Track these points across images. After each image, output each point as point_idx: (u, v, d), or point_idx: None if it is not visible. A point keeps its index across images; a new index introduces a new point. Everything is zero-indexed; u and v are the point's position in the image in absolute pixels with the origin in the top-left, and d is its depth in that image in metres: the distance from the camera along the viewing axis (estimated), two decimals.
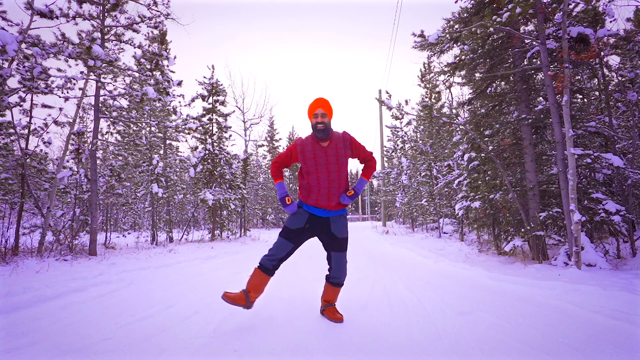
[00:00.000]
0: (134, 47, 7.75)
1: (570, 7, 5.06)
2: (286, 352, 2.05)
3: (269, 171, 28.61)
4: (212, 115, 12.75)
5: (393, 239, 12.08)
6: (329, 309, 2.67)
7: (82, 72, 6.42)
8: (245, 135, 15.70)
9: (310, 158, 2.54)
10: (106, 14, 7.01)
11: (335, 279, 2.65)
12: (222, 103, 12.95)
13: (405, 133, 19.15)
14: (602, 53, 5.43)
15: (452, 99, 12.72)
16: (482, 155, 6.13)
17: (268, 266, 2.53)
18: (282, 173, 2.72)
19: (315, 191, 2.53)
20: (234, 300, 2.47)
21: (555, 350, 2.01)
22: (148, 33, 7.97)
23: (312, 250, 7.46)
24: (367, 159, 2.73)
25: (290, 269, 5.35)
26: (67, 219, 7.97)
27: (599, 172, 5.42)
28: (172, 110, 10.88)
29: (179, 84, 8.36)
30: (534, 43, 5.37)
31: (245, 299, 2.49)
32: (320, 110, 2.56)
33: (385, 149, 22.93)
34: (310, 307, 3.02)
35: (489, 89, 6.46)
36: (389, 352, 2.02)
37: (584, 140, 5.95)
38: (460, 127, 7.63)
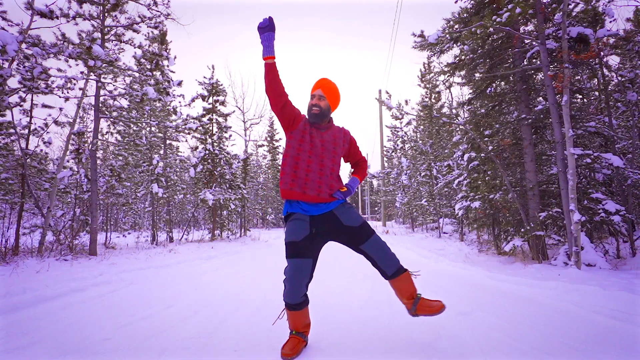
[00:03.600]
0: (134, 47, 7.76)
1: (570, 7, 5.07)
2: None
3: (269, 171, 28.12)
4: (212, 115, 12.75)
5: (393, 239, 12.08)
6: (420, 305, 2.04)
7: (82, 72, 6.42)
8: (245, 135, 15.71)
9: (305, 137, 2.08)
10: (106, 14, 7.01)
11: (390, 268, 2.03)
12: (222, 103, 12.96)
13: (405, 133, 19.16)
14: (602, 53, 5.44)
15: (452, 99, 12.75)
16: (482, 155, 6.14)
17: (295, 302, 1.99)
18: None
19: (302, 177, 2.02)
20: (296, 352, 1.97)
21: (555, 350, 2.01)
22: (148, 33, 7.98)
23: None
24: (359, 161, 2.36)
25: None
26: (67, 219, 7.97)
27: (598, 172, 5.42)
28: (172, 110, 10.88)
29: (179, 84, 8.36)
30: (534, 43, 5.37)
31: (301, 339, 2.05)
32: (319, 91, 2.12)
33: (385, 149, 22.94)
34: (310, 307, 3.02)
35: (489, 89, 6.46)
36: (389, 352, 2.02)
37: (583, 140, 5.95)
38: (460, 127, 7.64)
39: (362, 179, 2.33)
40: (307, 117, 2.16)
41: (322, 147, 2.08)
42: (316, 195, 2.01)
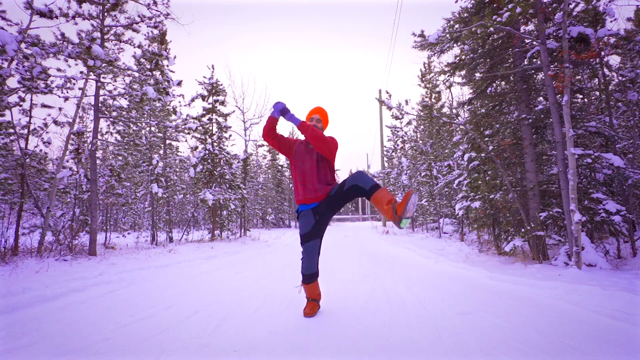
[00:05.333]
0: (134, 47, 7.74)
1: (571, 6, 5.06)
2: (286, 352, 2.05)
3: (269, 171, 28.26)
4: (212, 115, 12.74)
5: (393, 239, 12.08)
6: (398, 207, 2.39)
7: (81, 72, 6.41)
8: (245, 135, 15.69)
9: (300, 154, 2.82)
10: (106, 14, 7.00)
11: (367, 185, 2.53)
12: (222, 103, 12.94)
13: (405, 133, 19.15)
14: (603, 53, 5.43)
15: (452, 99, 12.74)
16: (482, 155, 6.13)
17: (311, 272, 2.72)
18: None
19: (301, 185, 2.75)
20: (314, 312, 2.77)
21: (555, 350, 2.00)
22: (148, 33, 7.96)
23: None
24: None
25: (290, 269, 5.35)
26: (67, 219, 7.97)
27: (599, 172, 5.41)
28: (172, 110, 10.87)
29: (179, 83, 8.35)
30: (534, 43, 5.36)
31: (316, 304, 2.84)
32: (316, 116, 2.89)
33: (385, 149, 22.93)
34: None
35: (489, 88, 6.45)
36: (389, 352, 2.02)
37: (584, 140, 5.95)
38: (460, 127, 7.63)
39: (305, 127, 2.65)
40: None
41: (311, 159, 2.78)
42: (314, 198, 2.73)
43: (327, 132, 3.04)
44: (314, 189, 2.73)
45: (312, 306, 2.79)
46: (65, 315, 2.82)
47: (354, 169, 61.13)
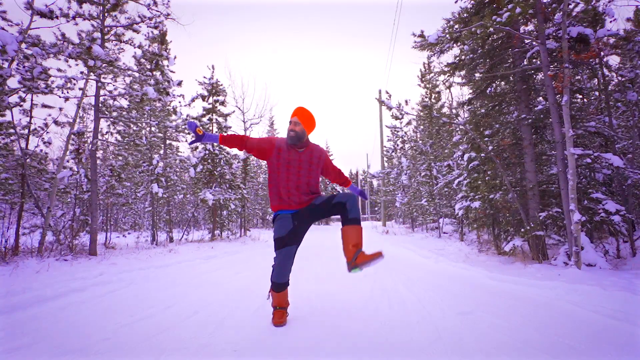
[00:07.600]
0: (134, 47, 7.76)
1: (570, 7, 5.06)
2: (286, 352, 2.05)
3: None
4: (212, 115, 12.75)
5: (393, 239, 12.08)
6: (360, 255, 2.33)
7: (82, 72, 6.41)
8: None
9: (284, 158, 2.55)
10: (106, 14, 7.00)
11: (353, 214, 2.40)
12: (222, 103, 12.96)
13: (405, 133, 19.16)
14: (602, 53, 5.44)
15: (452, 99, 12.74)
16: (482, 155, 6.14)
17: (282, 281, 2.49)
18: (229, 138, 2.55)
19: (285, 193, 2.53)
20: (285, 320, 2.53)
21: (555, 350, 2.01)
22: (148, 33, 7.97)
23: (313, 250, 7.48)
24: (339, 172, 2.92)
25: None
26: (67, 219, 7.97)
27: (598, 172, 5.42)
28: (172, 110, 10.88)
29: (179, 84, 8.36)
30: (534, 43, 5.37)
31: (285, 312, 2.58)
32: (295, 118, 2.57)
33: (385, 149, 22.94)
34: (311, 307, 3.03)
35: (489, 89, 6.46)
36: (389, 352, 2.02)
37: (583, 140, 5.95)
38: (460, 127, 7.63)
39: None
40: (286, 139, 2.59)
41: (299, 166, 2.56)
42: (298, 205, 2.54)
43: (314, 136, 2.80)
44: (299, 201, 2.53)
45: (281, 314, 2.54)
46: (65, 315, 2.82)
47: (354, 170, 61.06)
